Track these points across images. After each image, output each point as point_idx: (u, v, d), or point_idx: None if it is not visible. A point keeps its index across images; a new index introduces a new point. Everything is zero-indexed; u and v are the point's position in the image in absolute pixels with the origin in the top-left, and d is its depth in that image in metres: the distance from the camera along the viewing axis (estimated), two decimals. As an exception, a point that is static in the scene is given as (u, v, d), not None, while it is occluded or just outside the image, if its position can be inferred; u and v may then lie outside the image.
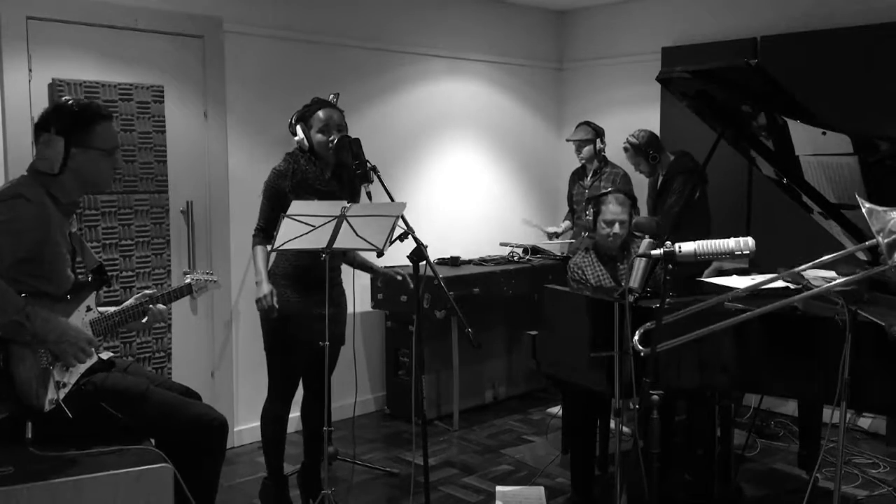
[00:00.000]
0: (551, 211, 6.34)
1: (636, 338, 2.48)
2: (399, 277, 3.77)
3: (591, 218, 4.16)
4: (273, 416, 3.69)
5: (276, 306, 3.47)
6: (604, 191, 4.32)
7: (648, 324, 2.54)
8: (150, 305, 2.77)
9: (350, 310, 3.85)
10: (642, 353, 2.46)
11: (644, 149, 5.00)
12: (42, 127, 2.57)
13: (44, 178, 2.56)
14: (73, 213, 2.73)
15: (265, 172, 3.65)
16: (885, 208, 2.13)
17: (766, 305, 2.49)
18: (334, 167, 3.64)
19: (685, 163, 4.91)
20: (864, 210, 2.15)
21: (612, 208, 3.99)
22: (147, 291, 2.82)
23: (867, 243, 2.17)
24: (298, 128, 3.58)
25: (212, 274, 3.01)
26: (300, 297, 3.56)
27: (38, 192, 2.53)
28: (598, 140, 5.39)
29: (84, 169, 2.59)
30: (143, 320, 2.80)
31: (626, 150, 5.08)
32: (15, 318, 2.33)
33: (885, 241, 2.05)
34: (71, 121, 2.56)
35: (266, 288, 3.48)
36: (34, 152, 2.62)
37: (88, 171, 2.60)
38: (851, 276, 2.34)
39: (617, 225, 3.96)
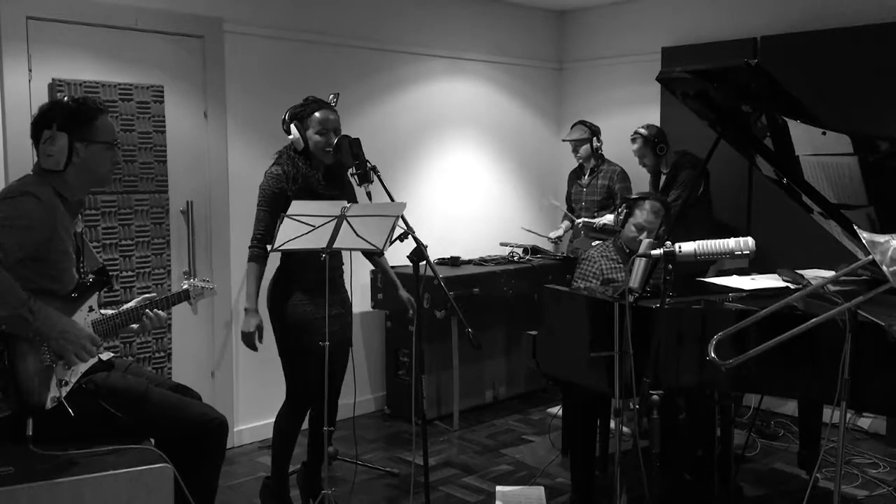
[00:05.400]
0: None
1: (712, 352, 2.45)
2: (410, 312, 3.98)
3: (621, 217, 4.22)
4: (291, 423, 3.64)
5: (261, 343, 3.49)
6: (641, 194, 4.35)
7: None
8: (147, 310, 2.78)
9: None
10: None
11: (653, 140, 5.07)
12: (42, 124, 2.57)
13: (51, 176, 2.57)
14: (79, 212, 2.74)
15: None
16: (884, 237, 2.16)
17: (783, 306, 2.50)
18: (326, 169, 3.56)
19: (689, 160, 4.97)
20: (864, 240, 2.19)
21: (648, 217, 4.05)
22: (148, 295, 2.84)
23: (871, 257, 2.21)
24: (293, 126, 3.49)
25: (209, 281, 3.03)
26: (312, 302, 3.48)
27: (46, 191, 2.54)
28: (595, 138, 5.40)
29: (88, 164, 2.60)
30: (135, 326, 2.80)
31: (633, 140, 5.13)
32: (19, 311, 2.33)
33: (890, 269, 2.11)
34: (72, 116, 2.57)
35: (254, 322, 3.46)
36: (34, 152, 2.62)
37: (92, 166, 2.62)
38: (860, 298, 2.36)
39: (646, 233, 4.01)
